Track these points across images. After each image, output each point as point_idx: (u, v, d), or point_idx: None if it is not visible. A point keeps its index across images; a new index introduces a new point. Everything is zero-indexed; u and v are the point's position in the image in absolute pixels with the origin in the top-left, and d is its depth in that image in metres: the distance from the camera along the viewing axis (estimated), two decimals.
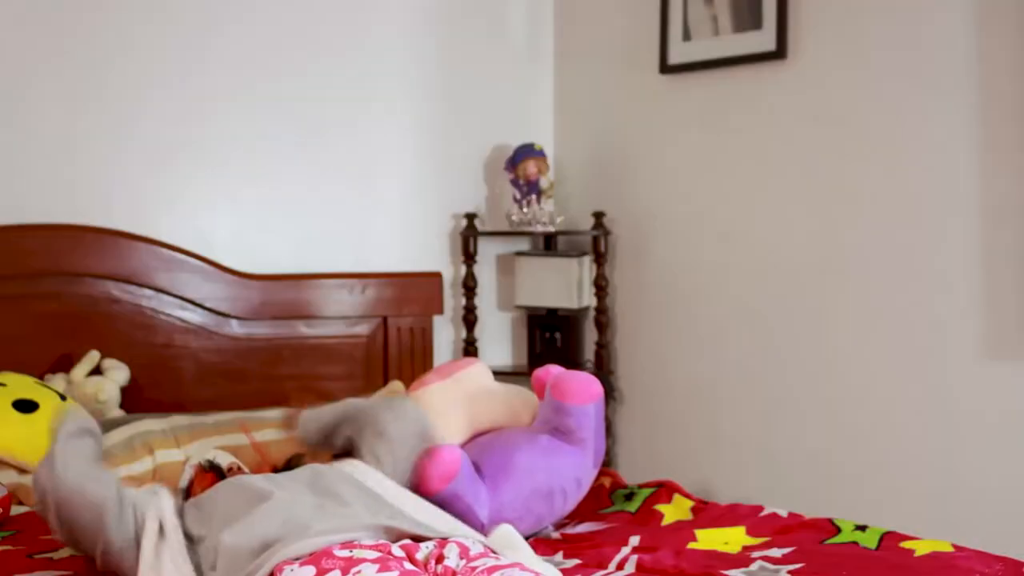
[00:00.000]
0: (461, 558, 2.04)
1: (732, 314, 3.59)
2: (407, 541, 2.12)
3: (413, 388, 2.85)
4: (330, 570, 1.95)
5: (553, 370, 2.82)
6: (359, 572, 1.93)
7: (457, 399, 2.80)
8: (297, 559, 2.02)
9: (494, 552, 2.13)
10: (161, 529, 2.24)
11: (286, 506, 2.19)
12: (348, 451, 2.66)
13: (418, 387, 2.83)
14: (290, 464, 2.71)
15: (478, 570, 1.97)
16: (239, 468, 2.57)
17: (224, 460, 2.58)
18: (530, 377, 4.06)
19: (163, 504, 2.30)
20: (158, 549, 2.19)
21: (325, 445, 2.69)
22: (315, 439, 2.70)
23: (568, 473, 2.67)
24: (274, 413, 3.33)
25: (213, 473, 2.53)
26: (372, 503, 2.31)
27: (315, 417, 2.72)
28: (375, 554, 2.00)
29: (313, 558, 2.00)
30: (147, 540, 2.20)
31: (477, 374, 2.88)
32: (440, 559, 2.04)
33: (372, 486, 2.44)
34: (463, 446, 2.72)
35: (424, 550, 2.08)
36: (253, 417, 3.26)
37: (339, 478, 2.41)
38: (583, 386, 2.67)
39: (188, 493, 2.52)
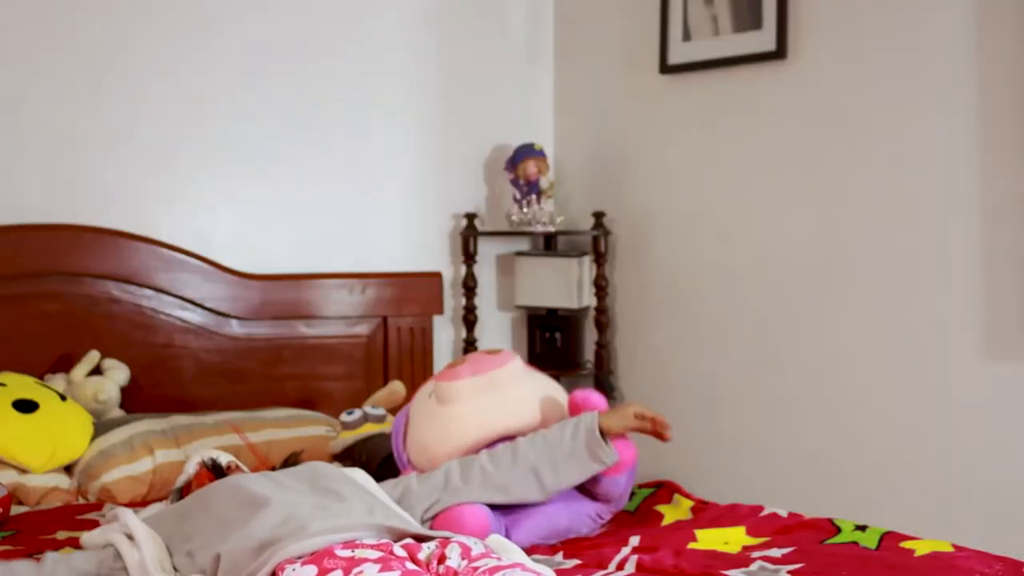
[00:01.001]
0: (463, 558, 2.04)
1: (732, 314, 3.59)
2: (409, 541, 2.12)
3: (444, 377, 2.72)
4: (332, 570, 1.95)
5: (594, 401, 2.70)
6: (361, 572, 1.93)
7: (486, 404, 2.69)
8: (299, 558, 2.02)
9: (495, 553, 2.13)
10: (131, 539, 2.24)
11: (283, 507, 2.19)
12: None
13: (451, 378, 2.70)
14: (288, 462, 2.71)
15: (480, 570, 1.97)
16: (237, 467, 2.57)
17: (224, 459, 2.58)
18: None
19: (128, 518, 2.30)
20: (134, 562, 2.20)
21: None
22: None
23: (589, 514, 2.67)
24: (274, 413, 3.34)
25: (212, 473, 2.53)
26: (372, 502, 2.30)
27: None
28: (377, 554, 2.00)
29: (315, 557, 2.00)
30: (127, 555, 2.20)
31: (511, 373, 2.75)
32: (442, 559, 2.04)
33: (371, 488, 2.44)
34: (478, 448, 2.68)
35: (426, 550, 2.08)
36: (253, 417, 3.27)
37: (339, 477, 2.41)
38: (619, 455, 2.60)
39: (182, 494, 2.51)
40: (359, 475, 2.50)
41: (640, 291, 3.90)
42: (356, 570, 1.94)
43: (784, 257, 3.44)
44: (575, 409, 2.71)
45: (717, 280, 3.64)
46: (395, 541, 2.12)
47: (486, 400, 2.69)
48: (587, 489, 2.65)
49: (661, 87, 3.78)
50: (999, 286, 2.97)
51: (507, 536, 2.52)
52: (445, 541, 2.10)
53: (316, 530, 2.08)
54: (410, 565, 2.00)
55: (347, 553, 2.00)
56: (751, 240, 3.53)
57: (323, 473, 2.41)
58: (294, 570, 1.98)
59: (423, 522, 2.46)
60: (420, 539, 2.16)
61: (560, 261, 3.95)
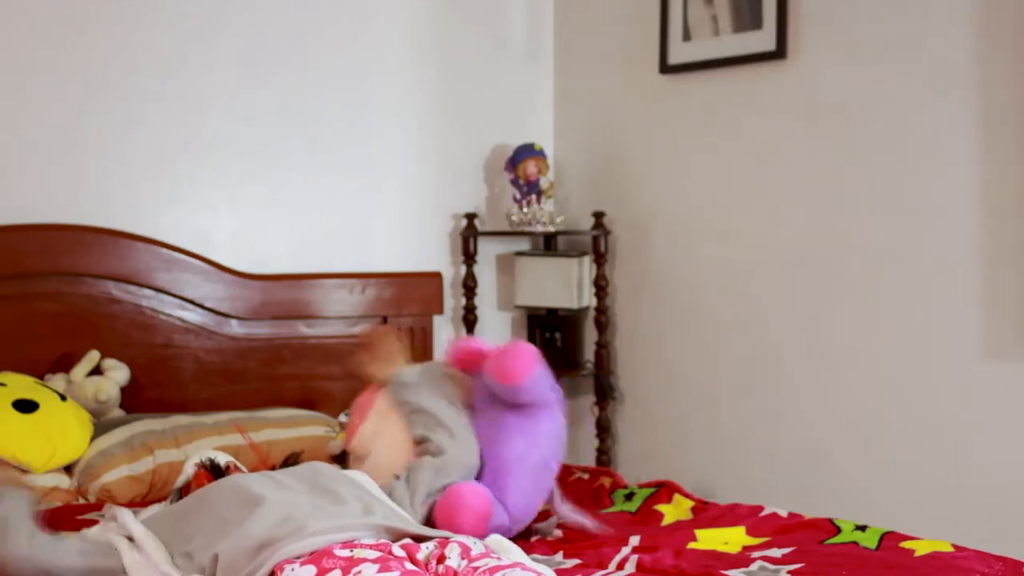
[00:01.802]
0: (463, 558, 2.04)
1: (732, 314, 3.59)
2: (408, 541, 2.12)
3: (348, 441, 2.78)
4: (331, 570, 1.95)
5: (477, 346, 2.78)
6: (360, 572, 1.93)
7: (394, 428, 2.73)
8: (298, 558, 2.02)
9: (495, 553, 2.13)
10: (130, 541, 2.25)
11: (282, 507, 2.19)
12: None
13: (352, 435, 2.76)
14: (287, 462, 2.71)
15: (480, 570, 1.98)
16: (236, 467, 2.57)
17: (223, 459, 2.58)
18: None
19: (126, 519, 2.30)
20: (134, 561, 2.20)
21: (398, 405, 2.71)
22: (397, 400, 2.70)
23: (549, 438, 2.67)
24: (274, 413, 3.34)
25: (211, 473, 2.53)
26: (371, 502, 2.30)
27: (408, 389, 2.72)
28: (376, 554, 2.00)
29: (314, 557, 2.00)
30: (126, 557, 2.20)
31: (384, 401, 2.78)
32: (441, 559, 2.04)
33: (371, 489, 2.44)
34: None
35: (425, 550, 2.08)
36: (253, 417, 3.26)
37: (339, 477, 2.41)
38: (522, 360, 2.61)
39: (182, 495, 2.51)
40: (359, 476, 2.50)
41: (640, 291, 3.90)
42: (355, 570, 1.94)
43: (784, 257, 3.45)
44: (465, 362, 2.80)
45: (717, 280, 3.64)
46: (394, 541, 2.12)
47: (395, 428, 2.72)
48: (519, 401, 2.64)
49: (661, 87, 3.78)
50: (999, 286, 2.97)
51: (503, 504, 2.54)
52: (444, 541, 2.10)
53: (315, 530, 2.08)
54: (409, 565, 2.00)
55: (346, 553, 2.00)
56: (751, 240, 3.53)
57: (323, 473, 2.41)
58: (293, 570, 1.99)
59: (427, 508, 2.46)
60: (419, 539, 2.16)
61: (560, 261, 3.95)
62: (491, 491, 2.57)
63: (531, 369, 2.61)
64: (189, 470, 2.54)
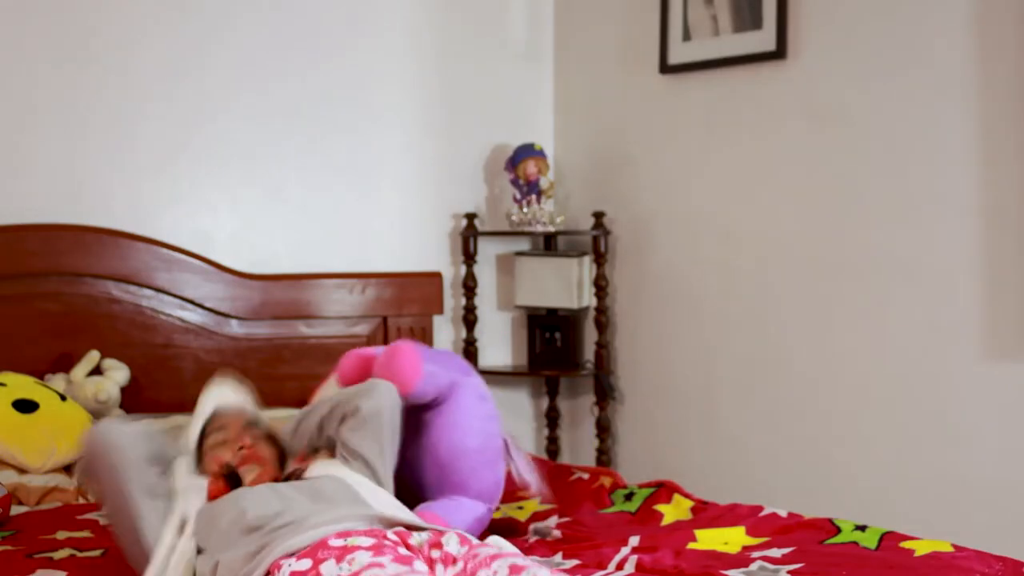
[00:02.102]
0: (462, 545, 2.05)
1: (732, 314, 3.59)
2: (401, 529, 2.12)
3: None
4: (325, 560, 1.96)
5: (365, 355, 2.69)
6: (353, 559, 1.94)
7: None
8: (293, 554, 2.03)
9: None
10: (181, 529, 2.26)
11: (283, 517, 2.19)
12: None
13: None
14: (290, 476, 2.70)
15: (480, 557, 1.98)
16: (252, 452, 2.53)
17: (242, 402, 2.57)
18: (530, 377, 4.08)
19: (190, 509, 2.30)
20: (171, 549, 2.21)
21: (312, 448, 2.64)
22: (308, 446, 2.66)
23: (475, 412, 2.63)
24: (274, 413, 3.33)
25: (227, 481, 2.51)
26: (366, 505, 2.31)
27: (299, 431, 2.66)
28: (370, 540, 2.01)
29: (309, 550, 2.01)
30: (163, 543, 2.21)
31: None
32: (438, 546, 2.05)
33: (368, 497, 2.42)
34: None
35: (418, 537, 2.08)
36: None
37: (342, 489, 2.39)
38: (404, 367, 2.53)
39: (200, 447, 2.50)
40: (364, 483, 2.47)
41: (640, 291, 3.90)
42: (349, 557, 1.95)
43: (784, 257, 3.44)
44: (351, 377, 2.72)
45: (717, 280, 3.64)
46: (387, 529, 2.13)
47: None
48: (427, 401, 2.59)
49: (661, 87, 3.78)
50: (999, 286, 2.97)
51: (470, 497, 2.54)
52: (439, 532, 2.11)
53: (310, 524, 2.09)
54: (402, 550, 2.01)
55: (340, 543, 2.02)
56: (751, 240, 3.53)
57: (325, 489, 2.39)
58: (289, 565, 1.99)
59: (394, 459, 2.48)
60: (413, 529, 2.16)
61: (560, 261, 3.95)
62: (450, 493, 2.55)
63: (416, 374, 2.54)
64: (206, 410, 2.53)
